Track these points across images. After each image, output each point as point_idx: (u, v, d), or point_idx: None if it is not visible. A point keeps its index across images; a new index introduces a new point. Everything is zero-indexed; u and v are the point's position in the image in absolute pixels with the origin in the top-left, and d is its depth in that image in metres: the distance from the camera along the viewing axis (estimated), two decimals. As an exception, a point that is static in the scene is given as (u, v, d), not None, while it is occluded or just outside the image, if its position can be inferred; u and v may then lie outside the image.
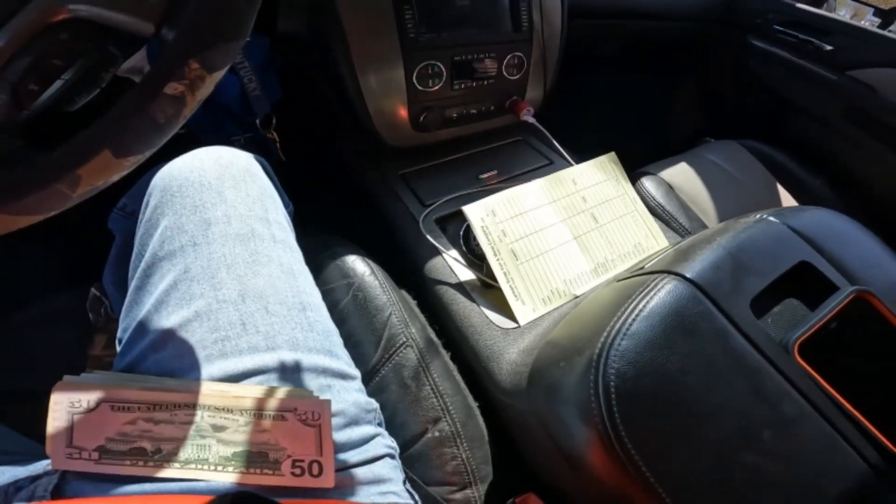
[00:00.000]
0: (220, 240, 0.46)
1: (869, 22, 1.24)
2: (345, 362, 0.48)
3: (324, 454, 0.39)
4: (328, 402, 0.41)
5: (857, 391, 0.45)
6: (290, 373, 0.42)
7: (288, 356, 0.42)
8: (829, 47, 1.09)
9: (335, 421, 0.42)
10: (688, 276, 0.45)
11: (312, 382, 0.43)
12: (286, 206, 0.59)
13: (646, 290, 0.44)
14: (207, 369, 0.40)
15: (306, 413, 0.40)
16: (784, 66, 1.18)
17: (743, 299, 0.46)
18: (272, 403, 0.40)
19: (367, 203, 0.81)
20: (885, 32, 1.08)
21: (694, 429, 0.39)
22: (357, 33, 0.69)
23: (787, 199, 1.02)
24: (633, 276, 0.50)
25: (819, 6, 1.21)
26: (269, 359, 0.42)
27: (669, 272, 0.46)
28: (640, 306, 0.42)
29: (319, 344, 0.46)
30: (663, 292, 0.44)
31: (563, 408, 0.42)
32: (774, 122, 1.32)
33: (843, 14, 1.23)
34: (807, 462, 0.41)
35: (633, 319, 0.41)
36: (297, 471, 0.38)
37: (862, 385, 0.46)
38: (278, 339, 0.43)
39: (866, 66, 1.03)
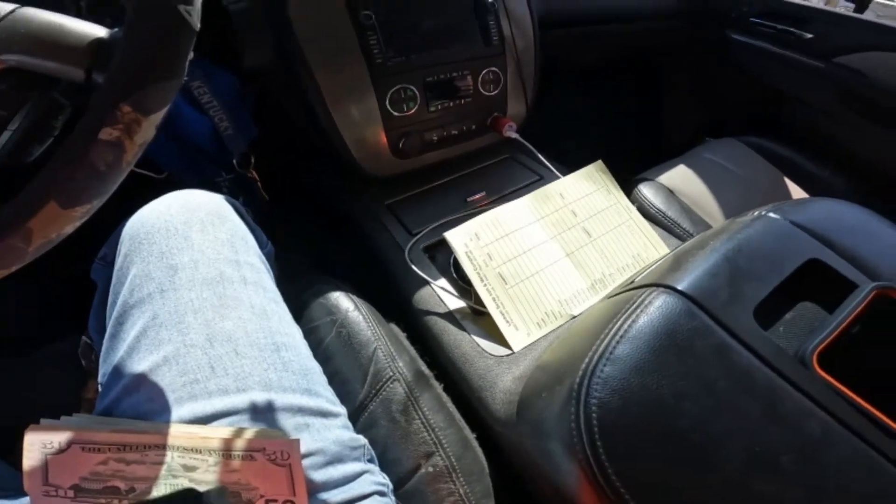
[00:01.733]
0: (188, 285, 0.46)
1: (843, 7, 1.21)
2: (326, 400, 0.47)
3: (297, 494, 0.38)
4: (297, 441, 0.40)
5: (891, 399, 0.40)
6: (262, 413, 0.41)
7: (259, 397, 0.42)
8: (809, 35, 1.06)
9: (314, 460, 0.41)
10: (679, 287, 0.41)
11: (287, 422, 0.42)
12: (263, 247, 0.59)
13: (632, 308, 0.40)
14: (177, 412, 0.40)
15: (275, 452, 0.39)
16: (768, 58, 1.15)
17: (744, 308, 0.41)
18: (240, 443, 0.39)
19: (354, 236, 0.79)
20: (862, 17, 1.05)
21: (696, 460, 0.35)
22: (322, 64, 0.68)
23: (798, 193, 0.97)
24: (622, 292, 0.46)
25: None
26: (239, 400, 0.41)
27: (659, 285, 0.42)
28: (626, 326, 0.39)
29: (295, 383, 0.45)
30: (652, 308, 0.40)
31: (549, 442, 0.38)
32: (770, 116, 1.28)
33: (815, 1, 1.20)
34: (839, 485, 0.36)
35: (618, 342, 0.38)
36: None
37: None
38: (249, 381, 0.42)
39: (850, 52, 0.99)
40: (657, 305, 0.40)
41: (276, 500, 0.38)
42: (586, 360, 0.38)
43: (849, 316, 0.43)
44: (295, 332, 0.50)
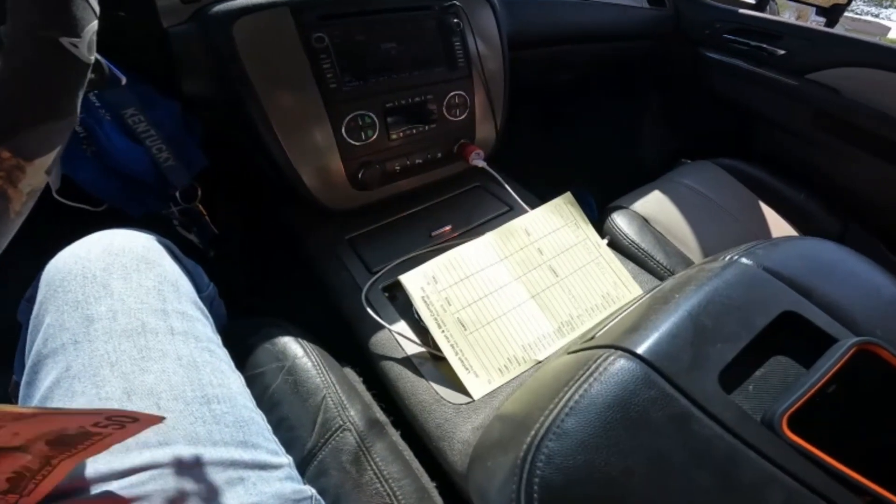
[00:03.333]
0: (104, 337, 0.43)
1: (815, 22, 1.21)
2: (266, 451, 0.44)
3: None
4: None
5: (867, 462, 0.37)
6: (188, 467, 0.39)
7: (185, 451, 0.39)
8: (781, 52, 1.05)
9: None
10: (638, 351, 0.38)
11: (218, 476, 0.39)
12: (203, 290, 0.56)
13: (586, 375, 0.37)
14: (92, 465, 0.37)
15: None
16: (742, 76, 1.13)
17: (708, 373, 0.38)
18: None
19: (311, 273, 0.75)
20: (834, 31, 1.04)
21: None
22: (271, 91, 0.64)
23: (773, 218, 0.96)
24: (580, 350, 0.43)
25: (762, 11, 1.18)
26: (162, 454, 0.39)
27: (617, 347, 0.39)
28: (577, 396, 0.36)
29: (229, 436, 0.42)
30: (606, 376, 0.37)
31: None
32: (746, 136, 1.26)
33: (787, 17, 1.19)
34: None
35: (567, 413, 0.35)
36: (113, 424, 0.31)
37: (874, 454, 0.39)
38: (173, 435, 0.40)
39: (824, 68, 0.98)
40: (612, 372, 0.37)
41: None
42: (532, 431, 0.35)
43: (825, 375, 0.40)
44: (232, 383, 0.47)
